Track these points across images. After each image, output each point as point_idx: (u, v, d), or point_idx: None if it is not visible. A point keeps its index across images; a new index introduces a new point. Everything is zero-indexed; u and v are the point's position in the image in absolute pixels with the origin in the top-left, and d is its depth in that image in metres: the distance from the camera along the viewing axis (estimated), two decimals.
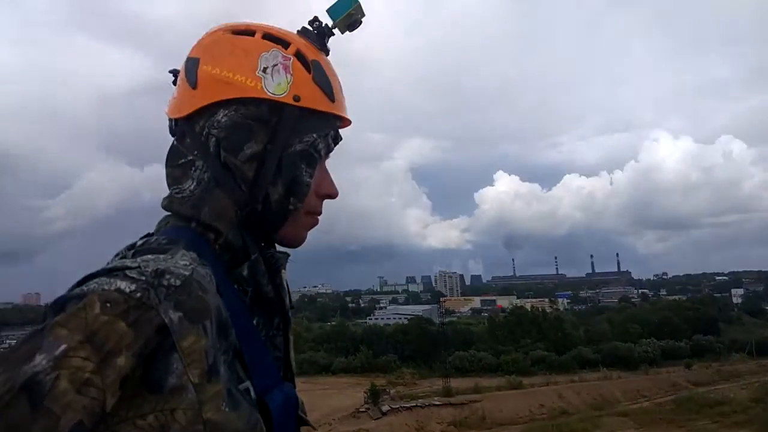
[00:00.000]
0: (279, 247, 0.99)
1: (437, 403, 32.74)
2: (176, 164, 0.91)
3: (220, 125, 0.88)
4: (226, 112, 0.88)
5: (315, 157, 0.92)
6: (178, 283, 0.70)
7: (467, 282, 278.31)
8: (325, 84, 0.92)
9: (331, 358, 50.27)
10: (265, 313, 0.92)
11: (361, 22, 0.99)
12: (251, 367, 0.80)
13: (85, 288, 0.67)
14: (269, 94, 0.88)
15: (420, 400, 33.32)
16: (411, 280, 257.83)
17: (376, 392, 33.01)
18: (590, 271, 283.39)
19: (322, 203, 0.96)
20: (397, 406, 31.86)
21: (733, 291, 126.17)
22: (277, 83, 0.89)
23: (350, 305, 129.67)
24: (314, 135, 0.91)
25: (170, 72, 0.98)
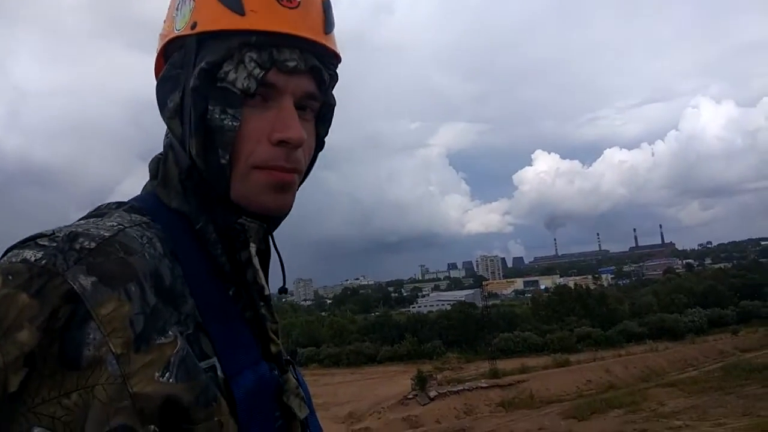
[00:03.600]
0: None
1: (484, 385, 33.17)
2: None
3: (156, 83, 0.81)
4: (166, 68, 0.80)
5: (232, 92, 0.73)
6: (92, 245, 0.62)
7: (509, 264, 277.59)
8: None
9: (377, 348, 51.06)
10: (239, 285, 0.79)
11: None
12: (217, 342, 0.70)
13: None
14: (176, 32, 0.77)
15: (467, 384, 33.82)
16: (452, 266, 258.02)
17: (423, 378, 33.55)
18: (634, 245, 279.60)
19: (287, 153, 0.75)
20: (445, 390, 32.40)
21: None
22: (182, 17, 0.77)
23: (393, 295, 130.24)
24: (209, 62, 0.73)
25: None
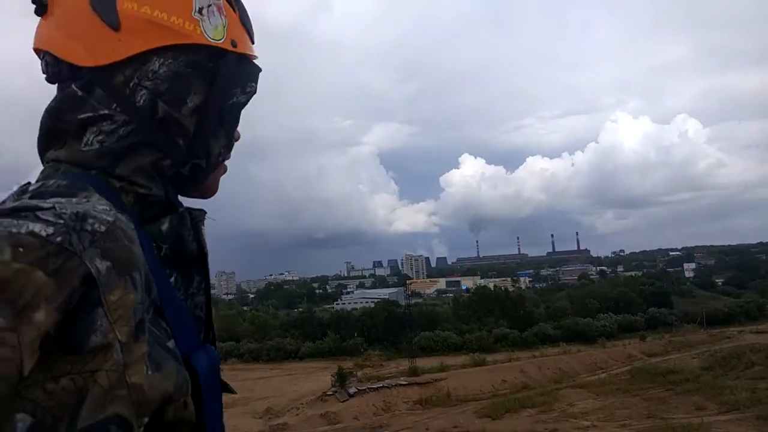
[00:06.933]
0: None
1: (403, 382, 33.39)
2: (76, 118, 0.75)
3: (158, 76, 0.77)
4: (163, 60, 0.77)
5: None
6: (103, 228, 0.60)
7: (433, 264, 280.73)
8: (250, 26, 0.88)
9: (298, 344, 50.61)
10: (183, 271, 0.82)
11: None
12: (172, 325, 0.70)
13: None
14: (209, 39, 0.79)
15: (386, 381, 33.93)
16: (378, 264, 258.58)
17: (343, 375, 33.45)
18: (551, 250, 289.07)
19: None
20: (364, 387, 32.43)
21: (686, 266, 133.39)
22: (214, 27, 0.80)
23: (317, 291, 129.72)
24: (253, 84, 0.87)
25: None
